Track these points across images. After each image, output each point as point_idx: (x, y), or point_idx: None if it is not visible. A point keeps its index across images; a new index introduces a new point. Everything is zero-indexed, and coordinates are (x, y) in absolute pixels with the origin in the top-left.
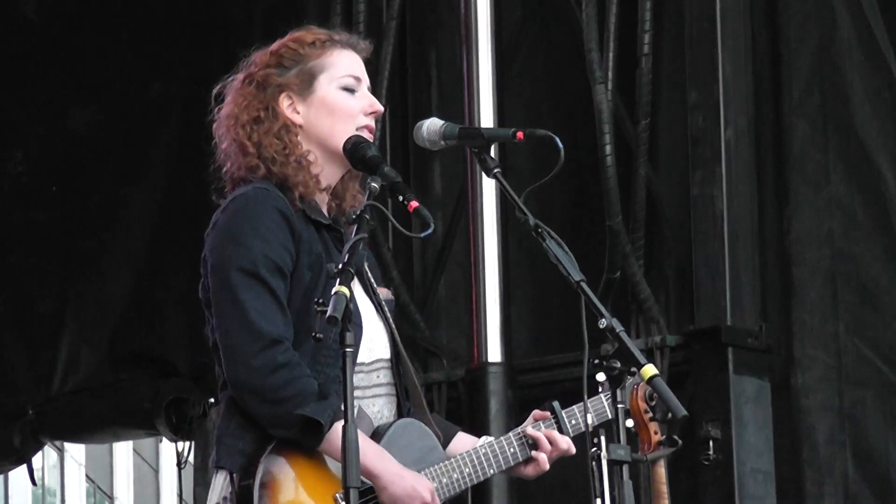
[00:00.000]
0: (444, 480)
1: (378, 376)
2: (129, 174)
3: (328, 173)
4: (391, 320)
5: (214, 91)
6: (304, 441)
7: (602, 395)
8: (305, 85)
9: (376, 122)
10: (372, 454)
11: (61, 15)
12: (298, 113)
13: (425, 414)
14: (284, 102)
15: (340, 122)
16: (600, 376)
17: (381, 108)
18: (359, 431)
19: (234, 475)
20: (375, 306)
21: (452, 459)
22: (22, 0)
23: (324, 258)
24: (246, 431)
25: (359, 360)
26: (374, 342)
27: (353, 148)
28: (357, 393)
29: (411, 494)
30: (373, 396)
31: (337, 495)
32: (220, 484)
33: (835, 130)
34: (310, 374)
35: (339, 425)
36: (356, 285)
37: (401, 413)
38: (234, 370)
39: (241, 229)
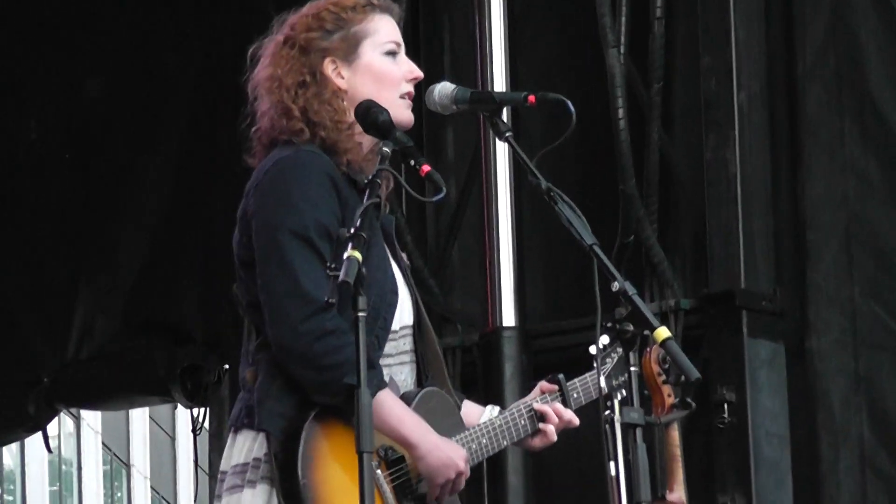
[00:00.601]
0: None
1: (404, 343)
2: (143, 141)
3: (368, 139)
4: (414, 286)
5: (249, 52)
6: (347, 409)
7: (597, 370)
8: (350, 50)
9: None
10: (411, 423)
11: None
12: (343, 78)
13: (445, 382)
14: (329, 67)
15: (386, 88)
16: (593, 349)
17: (421, 74)
18: (398, 400)
19: (273, 438)
20: (402, 272)
21: (471, 430)
22: None
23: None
24: (288, 395)
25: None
26: (402, 308)
27: (366, 112)
28: (388, 360)
29: (447, 464)
30: (399, 364)
31: (372, 463)
32: (248, 444)
33: (849, 94)
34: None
35: (382, 395)
36: (387, 251)
37: (420, 380)
38: (280, 334)
39: (291, 191)
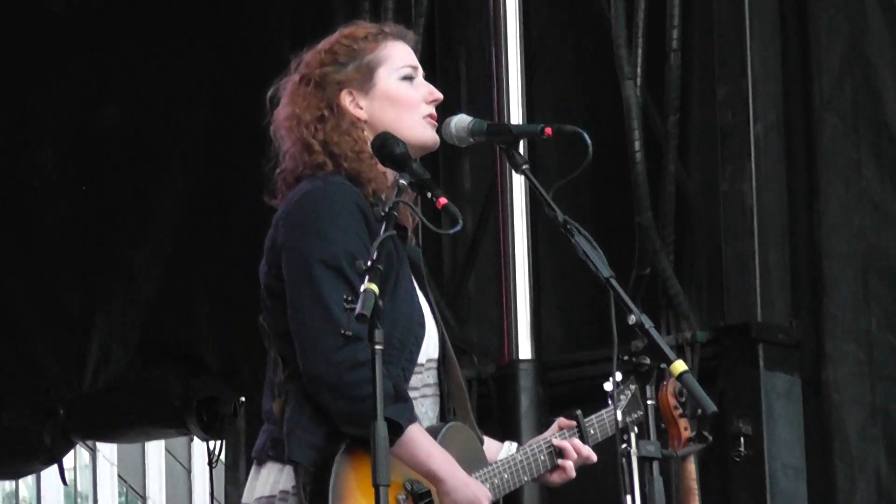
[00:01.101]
0: (487, 486)
1: (429, 377)
2: (158, 169)
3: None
4: (440, 320)
5: (268, 94)
6: None
7: (613, 406)
8: (366, 79)
9: None
10: (439, 458)
11: (87, 9)
12: (361, 108)
13: (468, 417)
14: (346, 99)
15: (405, 112)
16: (608, 386)
17: (441, 96)
18: (427, 435)
19: (302, 470)
20: (430, 305)
21: (493, 465)
22: None
23: (394, 255)
24: (318, 425)
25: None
26: (428, 342)
27: (381, 145)
28: (412, 394)
29: (473, 502)
30: (422, 397)
31: (399, 496)
32: (274, 476)
33: (866, 124)
34: (387, 375)
35: (413, 428)
36: (415, 283)
37: (443, 414)
38: (312, 364)
39: (321, 221)
